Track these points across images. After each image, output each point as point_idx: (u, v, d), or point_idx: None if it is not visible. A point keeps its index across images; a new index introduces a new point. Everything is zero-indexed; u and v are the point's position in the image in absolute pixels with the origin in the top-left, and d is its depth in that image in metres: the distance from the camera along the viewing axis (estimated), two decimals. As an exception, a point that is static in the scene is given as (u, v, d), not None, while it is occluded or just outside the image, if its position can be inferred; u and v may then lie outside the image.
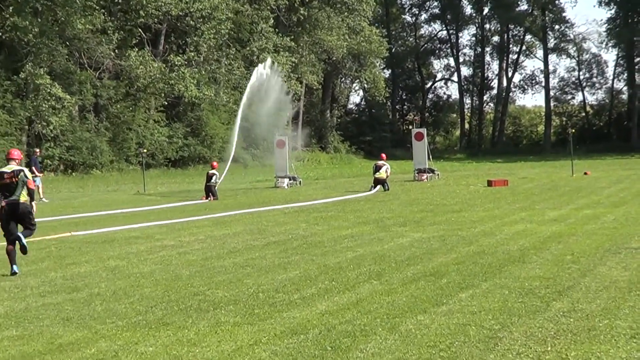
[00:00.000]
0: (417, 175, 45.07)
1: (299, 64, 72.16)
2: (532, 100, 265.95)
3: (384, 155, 40.58)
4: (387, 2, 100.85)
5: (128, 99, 60.42)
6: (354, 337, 8.97)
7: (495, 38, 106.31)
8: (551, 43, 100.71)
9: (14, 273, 14.36)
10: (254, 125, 48.76)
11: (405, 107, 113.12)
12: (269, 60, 48.81)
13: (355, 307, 10.51)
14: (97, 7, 54.40)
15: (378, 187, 36.62)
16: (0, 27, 51.84)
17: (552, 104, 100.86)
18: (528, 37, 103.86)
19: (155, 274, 13.99)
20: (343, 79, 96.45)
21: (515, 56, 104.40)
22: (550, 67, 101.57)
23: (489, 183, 37.21)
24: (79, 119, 57.35)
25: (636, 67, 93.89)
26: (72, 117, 55.79)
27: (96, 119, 58.33)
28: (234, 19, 66.24)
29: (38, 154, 40.67)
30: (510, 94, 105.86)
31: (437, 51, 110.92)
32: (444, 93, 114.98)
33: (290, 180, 43.06)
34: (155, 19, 60.53)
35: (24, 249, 14.69)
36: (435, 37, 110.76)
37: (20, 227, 14.98)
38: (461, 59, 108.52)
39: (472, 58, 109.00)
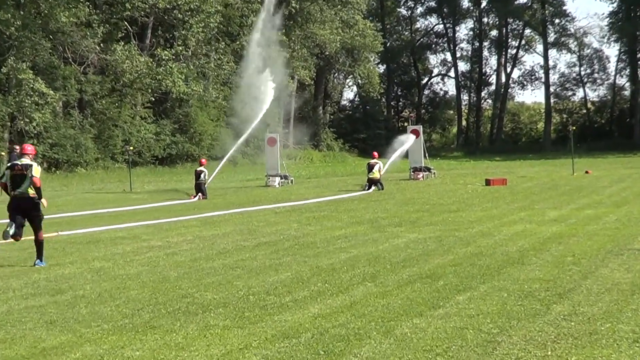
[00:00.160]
0: (412, 174, 45.13)
1: (290, 59, 72.12)
2: (531, 96, 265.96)
3: (376, 154, 40.72)
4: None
5: (114, 94, 60.36)
6: (348, 341, 8.97)
7: (494, 32, 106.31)
8: (551, 37, 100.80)
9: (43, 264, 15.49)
10: (244, 122, 48.79)
11: (400, 103, 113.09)
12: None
13: (349, 310, 10.52)
14: (81, 0, 54.30)
15: (373, 187, 36.65)
16: (-19, 20, 51.76)
17: (552, 100, 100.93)
18: (527, 31, 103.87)
19: (142, 275, 13.98)
20: (336, 74, 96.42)
21: (514, 51, 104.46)
22: (550, 63, 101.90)
23: (487, 182, 37.25)
24: (62, 115, 57.28)
25: (639, 62, 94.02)
26: (56, 114, 55.71)
27: (81, 115, 58.24)
28: (223, 12, 66.22)
29: (18, 150, 40.50)
30: (509, 90, 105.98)
31: (433, 46, 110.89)
32: (441, 89, 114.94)
33: (281, 179, 43.06)
34: (142, 12, 60.49)
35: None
36: (431, 31, 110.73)
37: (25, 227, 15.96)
38: (458, 54, 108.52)
39: (470, 53, 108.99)
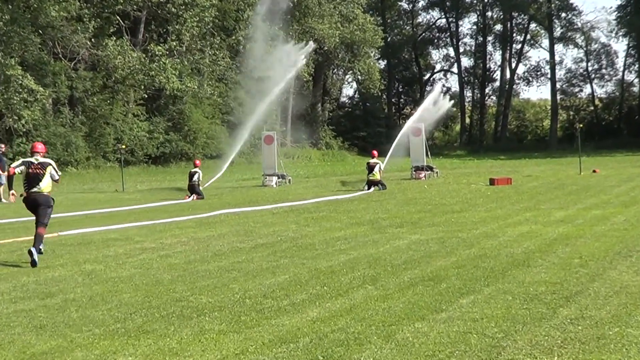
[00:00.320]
0: (414, 173, 45.15)
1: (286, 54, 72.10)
2: (537, 93, 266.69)
3: (375, 153, 40.38)
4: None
5: (105, 91, 60.34)
6: (347, 346, 8.96)
7: (498, 26, 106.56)
8: (557, 32, 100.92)
9: (36, 255, 15.61)
10: (241, 120, 49.06)
11: (401, 100, 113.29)
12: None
13: (348, 314, 10.51)
14: (72, -7, 54.32)
15: (373, 188, 36.63)
16: (-32, 14, 51.75)
17: (558, 97, 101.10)
18: (533, 25, 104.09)
19: (135, 278, 13.97)
20: (335, 70, 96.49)
21: (519, 46, 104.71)
22: (557, 58, 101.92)
23: (491, 181, 37.27)
24: (52, 113, 57.22)
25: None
26: (46, 111, 55.66)
27: (71, 113, 58.23)
28: (219, 6, 66.21)
29: (4, 149, 40.38)
30: (514, 86, 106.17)
31: (435, 40, 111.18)
32: (443, 85, 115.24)
33: (279, 178, 43.07)
34: (135, 6, 60.47)
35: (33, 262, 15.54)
36: (433, 26, 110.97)
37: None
38: (461, 49, 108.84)
39: (473, 48, 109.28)
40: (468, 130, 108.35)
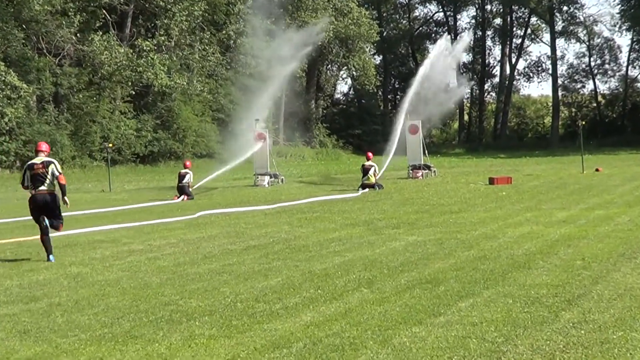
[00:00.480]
0: (411, 172, 45.16)
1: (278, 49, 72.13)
2: (538, 89, 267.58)
3: (370, 155, 39.83)
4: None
5: (91, 88, 60.32)
6: (343, 351, 8.97)
7: (497, 20, 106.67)
8: (559, 26, 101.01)
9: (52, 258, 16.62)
10: (233, 118, 49.13)
11: (398, 96, 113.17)
12: None
13: (343, 318, 10.51)
14: (56, -14, 54.28)
15: (367, 189, 36.53)
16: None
17: (560, 93, 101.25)
18: (533, 19, 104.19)
19: (122, 281, 13.96)
20: (329, 65, 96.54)
21: (520, 40, 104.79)
22: (558, 53, 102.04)
23: (491, 181, 37.31)
24: (37, 110, 57.20)
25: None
26: (30, 108, 55.63)
27: (56, 110, 58.18)
28: (208, 0, 66.15)
29: None
30: (514, 82, 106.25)
31: (433, 35, 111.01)
32: (441, 81, 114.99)
33: (271, 178, 43.07)
34: (121, 0, 60.39)
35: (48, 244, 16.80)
36: (430, 20, 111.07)
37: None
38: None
39: (472, 43, 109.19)
40: (467, 127, 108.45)
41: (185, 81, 62.52)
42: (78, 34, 57.67)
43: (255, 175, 43.58)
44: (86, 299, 12.42)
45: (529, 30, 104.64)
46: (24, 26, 54.69)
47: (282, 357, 8.83)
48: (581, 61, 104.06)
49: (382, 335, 9.54)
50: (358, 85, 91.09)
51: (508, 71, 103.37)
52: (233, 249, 17.74)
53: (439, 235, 18.91)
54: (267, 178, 42.61)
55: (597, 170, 44.56)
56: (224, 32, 69.22)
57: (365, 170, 37.43)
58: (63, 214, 17.74)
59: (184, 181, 35.48)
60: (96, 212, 29.08)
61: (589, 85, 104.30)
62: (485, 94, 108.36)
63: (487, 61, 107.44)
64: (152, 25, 65.60)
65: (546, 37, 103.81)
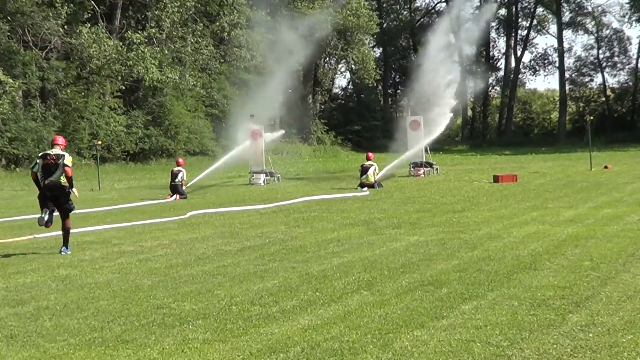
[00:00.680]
0: (412, 170, 45.13)
1: (276, 42, 72.05)
2: (544, 83, 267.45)
3: (370, 155, 39.78)
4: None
5: (79, 82, 60.20)
6: (342, 355, 8.99)
7: (502, 11, 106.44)
8: (566, 17, 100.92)
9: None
10: (226, 114, 49.16)
11: (398, 91, 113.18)
12: None
13: (342, 322, 10.53)
14: (43, -24, 54.26)
15: (366, 188, 36.48)
16: None
17: (567, 87, 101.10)
18: (539, 9, 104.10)
19: (113, 284, 13.97)
20: (327, 59, 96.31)
21: (525, 32, 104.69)
22: (565, 45, 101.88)
23: (496, 178, 37.35)
24: (23, 106, 57.09)
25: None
26: (15, 104, 55.51)
27: (43, 106, 58.07)
28: (201, -10, 66.14)
29: None
30: (520, 75, 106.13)
31: (435, 26, 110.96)
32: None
33: (267, 176, 43.04)
34: (111, -10, 60.40)
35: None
36: (432, 10, 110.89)
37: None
38: (463, 36, 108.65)
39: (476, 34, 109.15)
40: (470, 123, 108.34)
41: (177, 75, 62.33)
42: (65, 26, 57.57)
43: (251, 173, 43.54)
44: (75, 302, 12.43)
45: (534, 21, 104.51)
46: (9, 18, 54.60)
47: (279, 362, 8.86)
48: (589, 53, 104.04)
49: (383, 339, 9.56)
50: (357, 79, 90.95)
51: (513, 64, 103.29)
52: (227, 250, 17.76)
53: (442, 235, 18.94)
54: (262, 176, 42.57)
55: (605, 167, 44.58)
56: (217, 24, 69.11)
57: (364, 170, 37.43)
58: (54, 214, 18.10)
59: (177, 180, 35.43)
60: (85, 212, 29.02)
61: (598, 79, 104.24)
62: (490, 89, 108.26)
63: (491, 54, 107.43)
64: (143, 16, 65.51)
65: (553, 28, 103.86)
